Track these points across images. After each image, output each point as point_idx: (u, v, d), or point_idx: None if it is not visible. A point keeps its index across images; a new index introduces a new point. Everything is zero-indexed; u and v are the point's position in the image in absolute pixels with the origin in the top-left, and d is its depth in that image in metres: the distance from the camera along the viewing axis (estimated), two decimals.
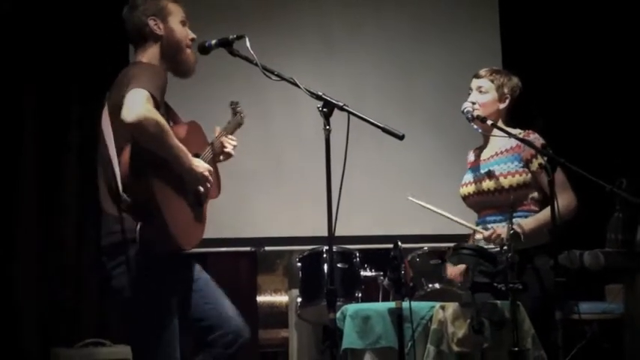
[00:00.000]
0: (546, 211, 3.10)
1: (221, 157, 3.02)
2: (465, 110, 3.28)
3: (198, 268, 2.90)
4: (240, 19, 4.86)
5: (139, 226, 2.60)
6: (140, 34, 2.83)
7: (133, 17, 2.83)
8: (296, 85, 2.62)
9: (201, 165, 2.74)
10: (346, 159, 2.53)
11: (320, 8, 5.11)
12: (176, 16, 2.86)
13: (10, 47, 4.66)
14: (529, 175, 3.24)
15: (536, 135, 3.24)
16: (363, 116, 2.59)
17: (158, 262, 2.64)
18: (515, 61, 5.17)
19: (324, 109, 2.57)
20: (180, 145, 2.62)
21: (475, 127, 3.31)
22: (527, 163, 3.26)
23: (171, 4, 2.87)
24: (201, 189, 2.76)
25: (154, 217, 2.57)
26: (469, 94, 3.38)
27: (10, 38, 4.67)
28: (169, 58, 2.84)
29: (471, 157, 3.51)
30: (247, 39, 2.66)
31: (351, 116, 2.59)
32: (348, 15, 5.12)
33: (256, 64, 2.65)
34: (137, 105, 2.49)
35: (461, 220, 3.22)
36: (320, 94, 2.59)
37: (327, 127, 2.56)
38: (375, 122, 2.59)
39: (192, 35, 2.88)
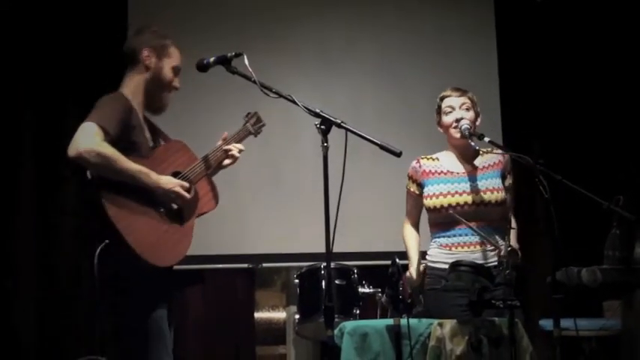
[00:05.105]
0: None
1: (226, 162, 3.11)
2: (463, 127, 3.29)
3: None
4: (239, 38, 4.88)
5: (100, 248, 2.69)
6: (131, 57, 2.95)
7: (133, 40, 2.97)
8: (294, 102, 2.64)
9: (169, 182, 2.81)
10: (344, 175, 2.54)
11: (318, 26, 5.14)
12: (172, 60, 2.99)
13: (7, 65, 4.69)
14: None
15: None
16: (361, 133, 2.60)
17: (132, 276, 2.72)
18: (512, 77, 5.20)
19: (322, 126, 2.59)
20: (137, 167, 2.72)
21: (473, 143, 3.31)
22: (503, 179, 3.38)
23: (173, 48, 3.00)
24: (174, 205, 2.82)
25: (114, 237, 2.65)
26: (446, 113, 3.39)
27: (8, 54, 4.70)
28: (148, 92, 2.95)
29: (447, 167, 3.42)
30: (245, 56, 2.68)
31: (349, 133, 2.60)
32: (346, 32, 5.14)
33: (254, 82, 2.67)
34: (78, 140, 2.66)
35: (490, 239, 3.20)
36: (318, 111, 2.61)
37: (325, 144, 2.57)
38: (373, 139, 2.59)
39: (178, 85, 3.00)
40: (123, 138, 2.76)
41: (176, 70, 3.01)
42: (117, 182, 2.69)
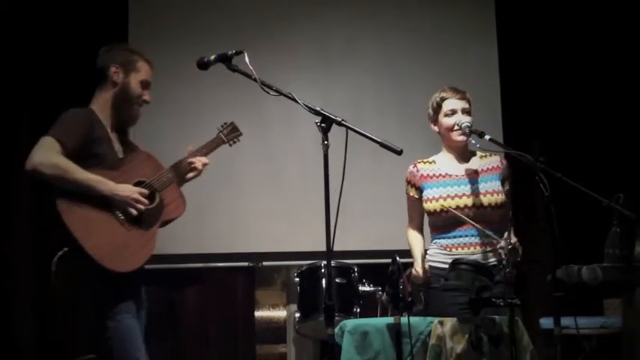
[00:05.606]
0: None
1: (189, 175, 3.16)
2: (464, 126, 3.30)
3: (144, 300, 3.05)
4: (239, 38, 4.89)
5: (59, 254, 2.83)
6: (100, 74, 3.04)
7: (102, 58, 3.05)
8: (294, 100, 2.64)
9: (126, 189, 2.88)
10: (344, 173, 2.54)
11: (318, 24, 5.14)
12: (140, 75, 3.06)
13: (7, 65, 4.70)
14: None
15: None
16: (362, 131, 2.60)
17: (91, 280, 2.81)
18: (513, 76, 5.20)
19: (323, 124, 2.59)
20: (92, 176, 2.82)
21: (474, 142, 3.31)
22: (502, 183, 3.38)
23: (142, 62, 3.08)
24: (133, 211, 2.88)
25: (73, 245, 2.75)
26: (447, 115, 3.38)
27: (8, 54, 4.70)
28: (117, 107, 3.03)
29: (445, 169, 3.41)
30: (246, 54, 2.68)
31: (350, 131, 2.60)
32: (346, 30, 5.15)
33: (255, 80, 2.66)
34: (34, 154, 2.78)
35: (492, 234, 3.19)
36: (318, 109, 2.61)
37: (326, 142, 2.57)
38: (373, 137, 2.60)
39: (147, 98, 3.07)
40: (84, 150, 2.85)
41: (144, 84, 3.08)
42: (75, 192, 2.78)
